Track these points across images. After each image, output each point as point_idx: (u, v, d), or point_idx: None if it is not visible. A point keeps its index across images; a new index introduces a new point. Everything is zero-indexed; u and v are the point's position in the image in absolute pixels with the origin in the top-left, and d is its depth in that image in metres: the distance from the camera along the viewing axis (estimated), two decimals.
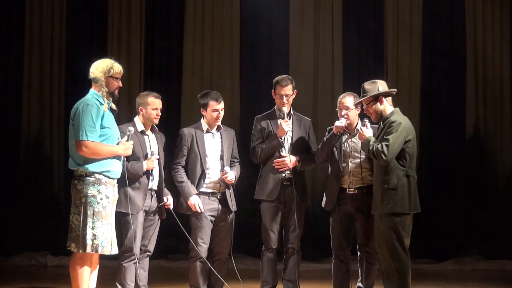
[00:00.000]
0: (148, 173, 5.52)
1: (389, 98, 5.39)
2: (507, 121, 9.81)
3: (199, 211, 5.62)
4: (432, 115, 9.77)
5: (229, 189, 5.79)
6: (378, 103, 5.32)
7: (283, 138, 5.79)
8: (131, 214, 5.38)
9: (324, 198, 5.88)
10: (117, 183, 5.01)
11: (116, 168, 4.92)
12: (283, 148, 5.84)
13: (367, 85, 5.38)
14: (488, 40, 9.86)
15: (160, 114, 5.63)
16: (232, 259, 5.74)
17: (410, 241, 5.25)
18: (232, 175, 5.73)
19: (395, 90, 5.53)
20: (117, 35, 9.80)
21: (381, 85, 5.35)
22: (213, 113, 5.73)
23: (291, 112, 5.98)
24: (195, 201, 5.62)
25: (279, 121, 5.84)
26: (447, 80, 9.82)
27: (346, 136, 5.75)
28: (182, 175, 5.69)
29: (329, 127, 5.85)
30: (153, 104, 5.61)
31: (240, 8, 9.86)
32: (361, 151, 5.62)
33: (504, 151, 9.76)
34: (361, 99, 5.40)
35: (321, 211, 5.93)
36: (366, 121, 5.48)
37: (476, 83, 9.83)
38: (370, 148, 5.20)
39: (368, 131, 5.38)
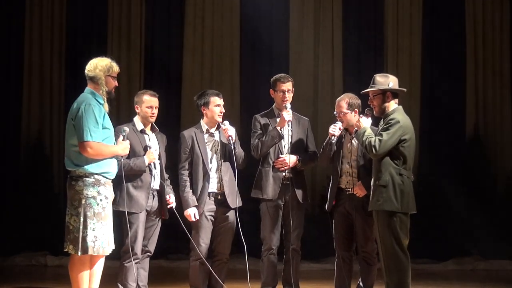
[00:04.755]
0: (150, 171, 5.52)
1: (396, 98, 5.34)
2: (507, 121, 9.81)
3: (194, 220, 5.63)
4: (432, 115, 9.77)
5: (231, 186, 5.76)
6: (384, 98, 5.29)
7: (282, 130, 5.78)
8: (133, 213, 5.39)
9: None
10: (112, 182, 4.99)
11: (113, 168, 4.91)
12: (283, 147, 5.83)
13: (378, 77, 5.34)
14: (488, 40, 9.87)
15: (155, 112, 5.62)
16: (246, 256, 5.66)
17: (410, 241, 5.23)
18: (232, 130, 5.70)
19: (405, 90, 5.50)
20: (117, 35, 9.80)
21: (393, 81, 5.32)
22: (216, 108, 5.72)
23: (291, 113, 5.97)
24: (191, 212, 5.62)
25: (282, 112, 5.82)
26: (447, 80, 9.82)
27: (346, 137, 5.75)
28: (186, 184, 5.67)
29: None
30: (147, 102, 5.61)
31: (240, 7, 9.86)
32: (358, 152, 5.64)
33: (504, 151, 9.76)
34: (369, 90, 5.35)
35: (321, 210, 5.94)
36: (369, 112, 5.45)
37: (476, 83, 9.83)
38: (364, 139, 5.19)
39: (366, 121, 5.37)
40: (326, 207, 5.88)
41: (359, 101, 5.75)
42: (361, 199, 5.61)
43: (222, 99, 5.79)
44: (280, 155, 5.82)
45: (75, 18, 9.76)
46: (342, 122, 5.70)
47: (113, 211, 5.04)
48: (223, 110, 5.78)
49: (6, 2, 9.60)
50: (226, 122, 5.72)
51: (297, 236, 5.86)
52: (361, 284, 5.77)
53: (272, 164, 5.85)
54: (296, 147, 5.89)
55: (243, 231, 5.67)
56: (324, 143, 5.78)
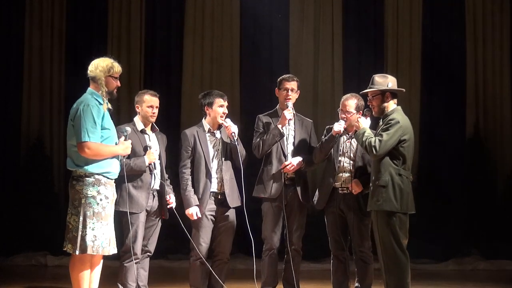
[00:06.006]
0: (151, 171, 5.52)
1: (395, 99, 5.34)
2: (507, 121, 9.82)
3: (196, 219, 5.63)
4: (432, 115, 9.78)
5: (231, 186, 5.76)
6: (383, 99, 5.28)
7: (283, 128, 5.79)
8: (133, 213, 5.38)
9: (316, 196, 5.86)
10: (115, 182, 4.97)
11: (115, 168, 4.90)
12: (285, 147, 5.82)
13: (377, 77, 5.33)
14: (488, 40, 9.87)
15: (156, 112, 5.62)
16: (253, 256, 5.61)
17: (410, 241, 5.22)
18: (234, 127, 5.69)
19: (404, 90, 5.50)
20: (117, 35, 9.81)
21: (392, 82, 5.31)
22: (219, 109, 5.72)
23: (293, 112, 5.96)
24: (193, 211, 5.61)
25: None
26: (447, 79, 9.83)
27: (345, 137, 5.75)
28: (187, 182, 5.66)
29: (328, 126, 5.85)
30: (148, 102, 5.60)
31: (240, 8, 9.87)
32: (356, 153, 5.64)
33: (504, 151, 9.77)
34: (368, 90, 5.35)
35: (322, 210, 5.91)
36: (368, 112, 5.44)
37: (476, 83, 9.84)
38: (364, 139, 5.19)
39: (365, 122, 5.36)
40: (316, 203, 5.84)
41: (363, 102, 5.74)
42: (356, 199, 5.60)
43: (226, 102, 5.80)
44: (285, 161, 5.79)
45: (75, 18, 9.76)
46: (345, 121, 5.69)
47: (114, 211, 5.03)
48: (226, 112, 5.78)
49: (6, 3, 9.60)
50: (228, 120, 5.73)
51: (298, 237, 5.85)
52: (358, 284, 5.75)
53: (274, 164, 5.84)
54: (299, 148, 5.88)
55: (244, 231, 5.65)
56: (324, 140, 5.76)
